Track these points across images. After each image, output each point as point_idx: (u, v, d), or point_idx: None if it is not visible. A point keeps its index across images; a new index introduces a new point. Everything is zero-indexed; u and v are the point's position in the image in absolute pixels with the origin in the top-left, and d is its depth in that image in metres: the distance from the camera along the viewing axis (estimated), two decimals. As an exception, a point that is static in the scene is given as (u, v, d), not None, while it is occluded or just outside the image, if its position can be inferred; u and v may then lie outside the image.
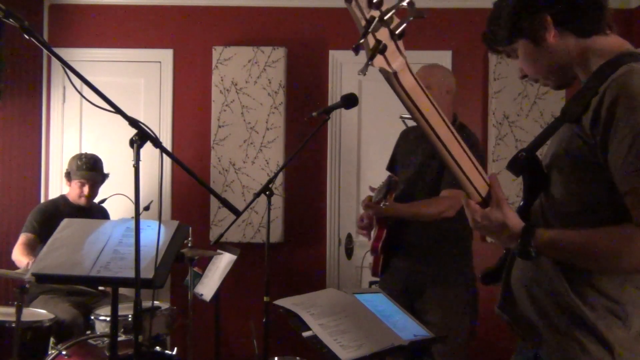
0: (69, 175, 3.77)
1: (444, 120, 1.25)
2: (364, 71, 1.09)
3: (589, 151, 1.30)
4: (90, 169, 3.75)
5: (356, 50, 1.07)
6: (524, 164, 1.40)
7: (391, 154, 3.31)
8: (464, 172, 1.33)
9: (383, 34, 1.08)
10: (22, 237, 3.60)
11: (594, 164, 1.29)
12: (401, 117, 3.12)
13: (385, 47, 1.07)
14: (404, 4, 1.07)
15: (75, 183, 3.74)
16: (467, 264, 2.97)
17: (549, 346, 1.38)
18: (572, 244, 1.30)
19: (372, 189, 3.01)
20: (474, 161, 1.34)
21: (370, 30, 1.05)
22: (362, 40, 1.06)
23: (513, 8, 1.41)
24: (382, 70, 1.12)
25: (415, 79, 1.17)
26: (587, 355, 1.32)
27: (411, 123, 3.20)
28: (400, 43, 1.12)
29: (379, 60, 1.09)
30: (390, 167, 3.30)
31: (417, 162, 2.98)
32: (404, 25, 1.09)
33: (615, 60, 1.34)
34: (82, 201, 3.77)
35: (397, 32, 1.10)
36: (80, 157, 3.80)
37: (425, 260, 2.90)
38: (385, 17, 1.06)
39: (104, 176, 3.83)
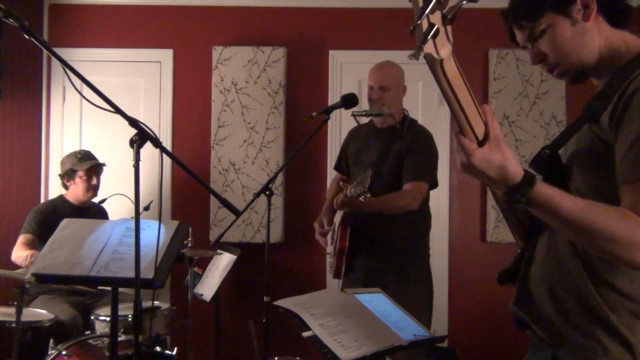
0: (70, 173, 3.75)
1: (479, 113, 1.19)
2: (416, 56, 1.03)
3: (605, 149, 1.29)
4: (92, 158, 3.79)
5: (412, 32, 1.01)
6: (547, 162, 1.38)
7: (339, 152, 3.34)
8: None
9: (436, 17, 1.02)
10: (21, 238, 3.60)
11: (612, 160, 1.28)
12: (353, 114, 3.09)
13: (437, 32, 1.02)
14: None
15: (81, 177, 3.74)
16: (424, 259, 3.06)
17: (569, 346, 1.37)
18: (572, 210, 1.22)
19: (344, 185, 3.02)
20: None
21: (427, 12, 0.99)
22: (418, 22, 1.00)
23: None
24: (429, 56, 1.05)
25: (458, 67, 1.12)
26: (608, 356, 1.31)
27: (363, 120, 3.22)
28: (449, 29, 1.06)
29: (429, 45, 1.03)
30: (339, 166, 3.33)
31: (374, 158, 3.00)
32: (457, 9, 1.04)
33: (637, 59, 1.34)
34: (90, 195, 3.77)
35: (449, 16, 1.04)
36: (75, 153, 3.82)
37: (384, 257, 2.94)
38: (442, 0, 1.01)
39: (103, 165, 3.86)
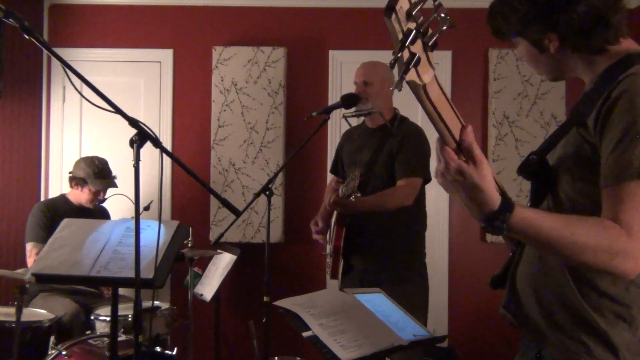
0: (82, 181, 3.71)
1: (462, 126, 1.20)
2: (399, 87, 1.02)
3: (592, 152, 1.30)
4: (107, 176, 3.75)
5: (393, 65, 1.01)
6: (535, 167, 1.38)
7: (334, 156, 3.35)
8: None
9: (417, 46, 1.02)
10: (34, 249, 3.55)
11: (599, 163, 1.28)
12: (344, 116, 3.12)
13: (419, 60, 1.01)
14: (442, 15, 1.02)
15: (90, 190, 3.72)
16: (420, 259, 3.05)
17: (553, 346, 1.37)
18: (552, 229, 1.20)
19: (337, 186, 3.05)
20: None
21: (407, 43, 0.99)
22: (399, 55, 1.00)
23: (524, 16, 1.37)
24: (411, 83, 1.05)
25: (441, 88, 1.13)
26: (591, 357, 1.31)
27: (354, 122, 3.23)
28: (431, 55, 1.06)
29: (411, 73, 1.02)
30: (335, 169, 3.34)
31: (367, 158, 3.02)
32: (437, 35, 1.04)
33: (622, 61, 1.33)
34: (92, 205, 3.77)
35: (430, 43, 1.04)
36: (92, 162, 3.74)
37: (379, 258, 2.94)
38: (422, 29, 1.01)
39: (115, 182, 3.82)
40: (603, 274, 1.30)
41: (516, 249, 1.50)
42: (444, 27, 1.04)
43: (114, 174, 3.81)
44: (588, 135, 1.31)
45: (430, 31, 1.04)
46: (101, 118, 3.72)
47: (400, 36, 0.99)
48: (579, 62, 1.41)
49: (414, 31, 0.99)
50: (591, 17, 1.32)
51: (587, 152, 1.31)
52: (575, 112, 1.37)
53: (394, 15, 0.98)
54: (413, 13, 0.99)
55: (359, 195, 2.75)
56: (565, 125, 1.39)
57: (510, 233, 1.22)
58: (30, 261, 3.54)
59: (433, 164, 3.12)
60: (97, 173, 3.70)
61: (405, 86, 1.06)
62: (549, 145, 1.40)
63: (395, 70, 1.03)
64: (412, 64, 1.01)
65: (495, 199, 1.18)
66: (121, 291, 2.49)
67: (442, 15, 1.02)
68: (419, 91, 1.08)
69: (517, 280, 1.47)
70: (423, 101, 1.10)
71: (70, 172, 3.81)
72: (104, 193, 3.79)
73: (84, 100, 2.30)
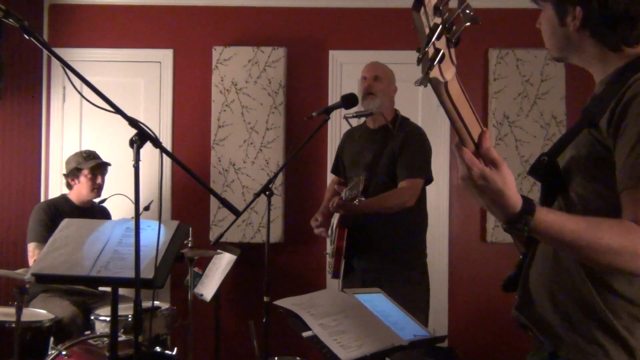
0: (75, 172, 3.75)
1: (480, 127, 1.19)
2: (424, 82, 1.01)
3: (605, 153, 1.30)
4: (97, 158, 3.80)
5: (419, 62, 0.99)
6: (546, 168, 1.37)
7: (335, 155, 3.36)
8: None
9: (441, 43, 1.01)
10: (36, 249, 3.55)
11: (613, 165, 1.28)
12: (345, 117, 3.15)
13: (443, 57, 1.01)
14: (467, 11, 1.02)
15: (86, 176, 3.74)
16: (421, 259, 3.06)
17: (568, 347, 1.36)
18: (575, 232, 1.20)
19: (339, 188, 3.06)
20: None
21: (434, 38, 0.98)
22: (426, 49, 0.98)
23: None
24: (434, 80, 1.04)
25: (461, 86, 1.12)
26: (608, 358, 1.31)
27: (355, 123, 3.23)
28: (453, 51, 1.05)
29: (434, 70, 1.01)
30: (336, 169, 3.34)
31: (368, 159, 3.03)
32: (460, 32, 1.03)
33: (634, 63, 1.34)
34: (94, 194, 3.78)
35: (453, 39, 1.03)
36: (80, 153, 3.83)
37: (381, 258, 2.95)
38: (447, 24, 1.00)
39: (108, 164, 3.87)
40: (619, 275, 1.30)
41: (527, 251, 1.50)
42: (468, 24, 1.03)
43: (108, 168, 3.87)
44: (600, 136, 1.31)
45: (454, 27, 1.03)
46: (101, 118, 3.72)
47: (427, 31, 0.98)
48: (590, 50, 1.40)
49: (440, 26, 0.98)
50: (622, 11, 1.33)
51: (600, 153, 1.31)
52: (586, 113, 1.36)
53: (422, 9, 0.97)
54: (441, 7, 0.99)
55: (362, 199, 2.77)
56: (577, 126, 1.39)
57: (532, 235, 1.22)
58: (32, 261, 3.54)
59: (435, 164, 3.15)
60: (86, 156, 3.78)
61: (407, 86, 1.05)
62: (560, 146, 1.40)
63: (411, 67, 1.02)
64: (437, 60, 1.00)
65: (517, 202, 1.18)
66: (121, 291, 2.48)
67: (467, 11, 1.01)
68: (440, 88, 1.07)
69: (531, 282, 1.46)
70: (443, 99, 1.09)
71: (64, 173, 3.85)
72: (102, 178, 3.80)
73: (84, 100, 2.30)
